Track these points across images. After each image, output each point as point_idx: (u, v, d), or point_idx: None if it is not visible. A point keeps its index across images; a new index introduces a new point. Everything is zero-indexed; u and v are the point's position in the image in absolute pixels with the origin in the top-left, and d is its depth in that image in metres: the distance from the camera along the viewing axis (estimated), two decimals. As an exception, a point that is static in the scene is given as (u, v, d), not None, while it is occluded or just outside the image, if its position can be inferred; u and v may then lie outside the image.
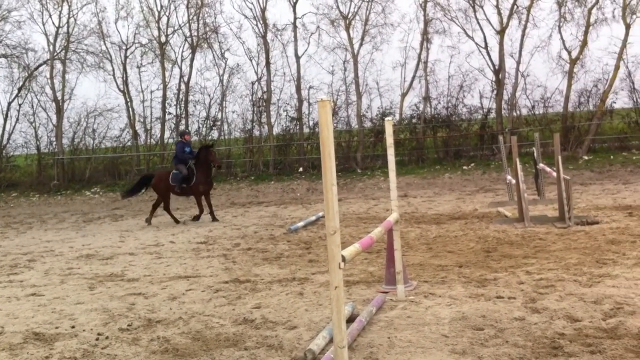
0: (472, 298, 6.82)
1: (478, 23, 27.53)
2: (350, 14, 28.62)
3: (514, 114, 27.56)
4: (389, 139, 7.31)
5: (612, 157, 23.44)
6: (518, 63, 27.32)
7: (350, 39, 28.63)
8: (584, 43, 26.71)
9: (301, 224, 13.48)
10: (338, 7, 28.67)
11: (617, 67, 26.21)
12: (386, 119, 7.47)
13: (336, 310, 4.31)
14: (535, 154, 15.20)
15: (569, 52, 27.03)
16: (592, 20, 26.70)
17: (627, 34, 26.12)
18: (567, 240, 9.89)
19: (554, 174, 12.09)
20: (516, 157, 12.75)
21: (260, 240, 12.08)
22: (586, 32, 26.69)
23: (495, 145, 22.68)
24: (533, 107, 27.59)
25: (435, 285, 7.53)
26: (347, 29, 28.62)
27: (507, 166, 15.70)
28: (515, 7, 27.20)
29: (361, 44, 28.63)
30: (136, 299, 7.78)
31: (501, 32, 27.21)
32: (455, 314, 6.26)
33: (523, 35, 27.24)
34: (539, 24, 27.42)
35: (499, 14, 27.34)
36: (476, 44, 27.67)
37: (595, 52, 27.09)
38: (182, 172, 16.01)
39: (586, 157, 23.79)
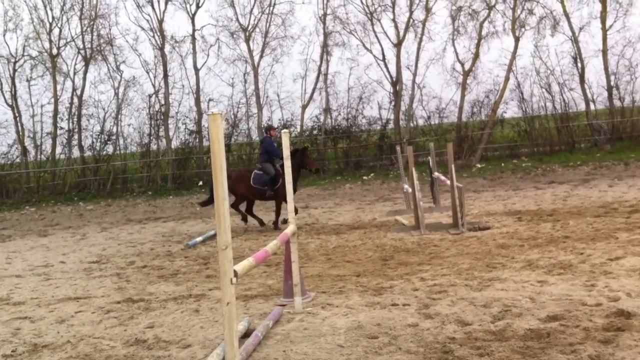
0: (368, 307, 6.87)
1: (376, 36, 28.17)
2: (250, 27, 28.60)
3: (411, 124, 28.31)
4: (286, 151, 7.30)
5: (503, 164, 24.44)
6: (414, 75, 28.11)
7: (250, 51, 28.58)
8: (476, 55, 27.81)
9: (200, 239, 13.22)
10: (238, 19, 28.60)
11: (507, 79, 27.45)
12: (282, 130, 7.47)
13: (228, 327, 4.21)
14: (430, 163, 15.63)
15: (462, 64, 28.08)
16: (483, 33, 27.90)
17: (516, 47, 27.44)
18: (460, 246, 10.17)
19: (448, 182, 12.44)
20: (412, 167, 13.04)
21: (157, 257, 11.75)
22: (478, 45, 27.82)
23: (393, 155, 23.18)
24: (429, 117, 28.47)
25: (333, 296, 7.54)
26: (247, 41, 28.56)
27: (404, 175, 16.04)
28: (411, 20, 28.00)
29: (261, 56, 28.65)
30: (22, 323, 7.36)
31: (398, 45, 27.92)
32: (351, 323, 6.27)
33: (419, 48, 28.08)
34: (434, 37, 28.50)
35: (396, 27, 28.07)
36: (374, 56, 28.29)
37: (487, 64, 28.45)
38: (269, 172, 14.44)
39: (479, 165, 24.70)
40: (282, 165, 14.00)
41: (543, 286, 7.19)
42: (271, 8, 28.51)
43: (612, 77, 27.19)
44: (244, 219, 14.81)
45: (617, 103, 27.20)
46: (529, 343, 5.31)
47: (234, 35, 28.83)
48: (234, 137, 28.71)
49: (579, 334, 5.46)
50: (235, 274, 4.25)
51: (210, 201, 14.65)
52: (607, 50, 27.11)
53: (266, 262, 9.76)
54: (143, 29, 29.26)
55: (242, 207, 14.93)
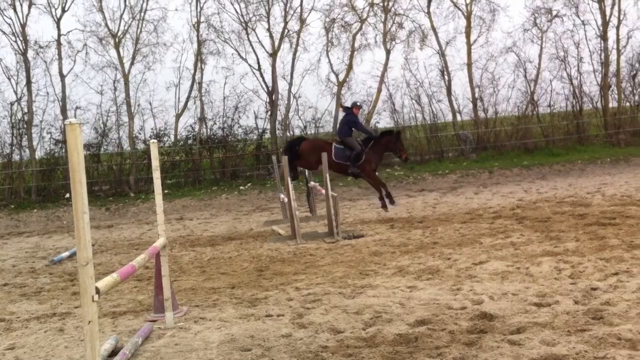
0: (242, 319, 6.79)
1: (251, 45, 28.07)
2: (120, 32, 27.65)
3: (288, 134, 28.44)
4: (155, 162, 7.07)
5: (377, 173, 25.04)
6: (290, 85, 28.27)
7: (120, 57, 27.62)
8: (350, 67, 28.40)
9: (66, 254, 12.58)
10: (107, 24, 27.57)
11: (379, 90, 28.22)
12: (151, 141, 7.25)
13: (90, 346, 4.00)
14: (306, 173, 15.76)
15: (337, 75, 28.55)
16: (356, 45, 28.50)
17: (387, 59, 28.28)
18: (335, 255, 10.30)
19: (324, 191, 12.59)
20: (287, 177, 13.08)
21: (19, 275, 11.05)
22: (351, 57, 28.42)
23: (270, 165, 23.20)
24: (305, 127, 28.68)
25: (206, 309, 7.39)
26: (117, 47, 27.60)
27: (280, 185, 16.07)
28: (286, 31, 28.15)
29: (132, 63, 27.75)
30: None
31: (273, 55, 27.99)
32: (224, 336, 6.17)
33: (294, 58, 28.26)
34: (308, 48, 28.70)
35: (271, 37, 28.12)
36: (250, 65, 28.16)
37: (360, 76, 29.05)
38: (354, 147, 14.31)
39: (354, 174, 25.22)
40: (364, 140, 14.40)
41: (412, 291, 7.41)
42: (142, 14, 27.74)
43: (477, 90, 28.64)
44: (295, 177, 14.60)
45: (481, 114, 28.68)
46: (397, 348, 5.43)
47: (103, 41, 27.77)
48: (103, 147, 27.62)
49: (445, 337, 5.65)
50: (98, 291, 4.07)
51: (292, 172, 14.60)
52: (472, 64, 28.52)
53: (137, 277, 9.44)
54: (4, 32, 27.54)
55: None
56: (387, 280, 8.12)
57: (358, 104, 15.73)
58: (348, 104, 28.81)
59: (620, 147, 26.37)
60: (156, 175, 7.06)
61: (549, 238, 10.03)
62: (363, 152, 14.25)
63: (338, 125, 15.18)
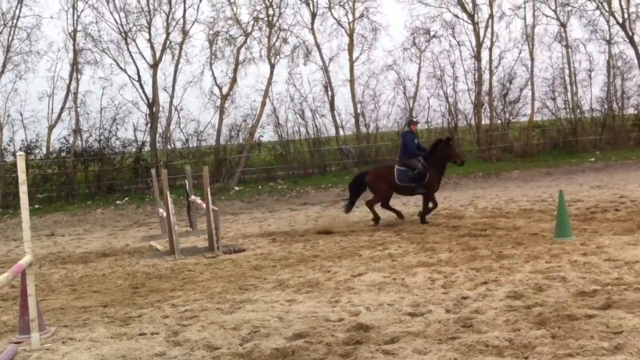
0: (114, 338, 6.50)
1: (131, 56, 27.28)
2: (-12, 39, 26.11)
3: (169, 147, 27.84)
4: (21, 175, 6.66)
5: (260, 187, 25.02)
6: (172, 97, 27.69)
7: (-11, 66, 26.07)
8: (234, 80, 28.22)
9: None
10: (-25, 31, 25.96)
11: (263, 104, 28.21)
12: (18, 153, 6.85)
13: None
14: (187, 187, 15.44)
15: (220, 88, 28.28)
16: (241, 58, 28.38)
17: (272, 73, 28.34)
18: (215, 270, 10.12)
19: (204, 205, 12.37)
20: (167, 190, 12.74)
21: None
22: (235, 70, 28.25)
23: (149, 178, 22.59)
24: (187, 140, 28.22)
25: (75, 329, 7.02)
26: (-15, 55, 26.04)
27: (160, 199, 15.65)
28: (168, 42, 27.61)
29: (2, 72, 26.24)
30: None
31: (154, 66, 27.35)
32: (94, 357, 5.88)
33: (176, 70, 27.73)
34: (191, 60, 28.18)
35: (152, 48, 27.47)
36: (129, 76, 27.35)
37: (244, 89, 28.84)
38: (415, 167, 13.63)
39: (237, 188, 25.02)
40: (426, 158, 13.69)
41: (291, 305, 7.38)
42: (15, 21, 26.36)
43: (359, 105, 29.27)
44: (401, 216, 14.03)
45: (363, 129, 29.34)
46: (274, 363, 5.37)
47: (-29, 49, 26.16)
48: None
49: (322, 349, 5.65)
50: None
51: (352, 199, 14.56)
52: (354, 80, 29.16)
53: (2, 296, 8.86)
54: None
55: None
56: (266, 294, 8.05)
57: (414, 120, 15.54)
58: (231, 118, 28.75)
59: (491, 162, 27.76)
60: (23, 189, 6.66)
61: (424, 249, 10.33)
62: (426, 170, 13.65)
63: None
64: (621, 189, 16.87)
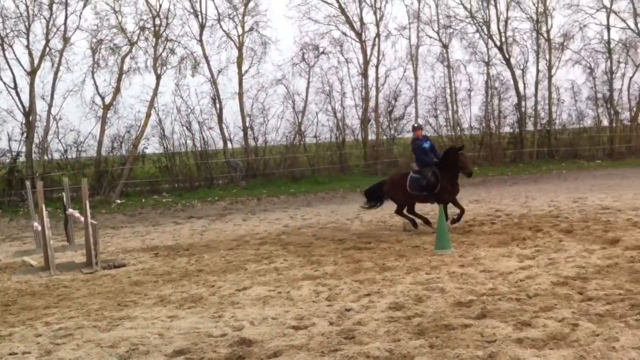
0: (-21, 360, 6.07)
1: (7, 62, 25.85)
2: None
3: (46, 157, 26.55)
4: None
5: (144, 200, 24.34)
6: (50, 106, 26.42)
7: None
8: (117, 90, 27.37)
9: None
10: None
11: (148, 115, 27.51)
12: None
13: None
14: (64, 199, 14.75)
15: (103, 98, 27.34)
16: (125, 68, 27.58)
17: (157, 84, 27.71)
18: (93, 286, 9.70)
19: (83, 218, 11.85)
20: (42, 203, 12.10)
21: None
22: (119, 80, 27.41)
23: (23, 190, 21.42)
24: (66, 151, 27.01)
25: (-63, 352, 6.49)
26: None
27: (35, 212, 14.84)
28: (47, 49, 26.39)
29: None
30: None
31: (32, 74, 26.04)
32: (-45, 382, 5.45)
33: (55, 78, 26.52)
34: (72, 68, 27.04)
35: (30, 55, 26.15)
36: (5, 84, 25.90)
37: (128, 100, 27.96)
38: (425, 176, 12.90)
39: (119, 201, 24.21)
40: (439, 167, 12.97)
41: (173, 321, 7.19)
42: None
43: (248, 119, 29.21)
44: (414, 225, 13.30)
45: (251, 143, 29.26)
46: (152, 381, 5.19)
47: None
48: None
49: (203, 365, 5.52)
50: None
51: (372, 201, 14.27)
52: (243, 93, 29.07)
53: None
54: None
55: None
56: (147, 310, 7.79)
57: (416, 125, 14.29)
58: (114, 128, 27.75)
59: (378, 177, 28.40)
60: None
61: (310, 262, 10.37)
62: (437, 180, 12.92)
63: None
64: (497, 203, 17.71)
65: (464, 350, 5.45)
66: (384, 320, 6.57)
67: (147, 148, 28.25)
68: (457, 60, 33.25)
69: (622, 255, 8.88)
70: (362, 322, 6.56)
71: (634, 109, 35.77)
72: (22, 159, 26.15)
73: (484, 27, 33.20)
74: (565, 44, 34.50)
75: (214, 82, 28.61)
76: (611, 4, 34.49)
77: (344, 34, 30.94)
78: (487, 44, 33.30)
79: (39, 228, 12.63)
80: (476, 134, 33.61)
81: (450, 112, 32.88)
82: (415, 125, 14.29)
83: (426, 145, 13.27)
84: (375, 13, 31.00)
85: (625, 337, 5.47)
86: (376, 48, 31.12)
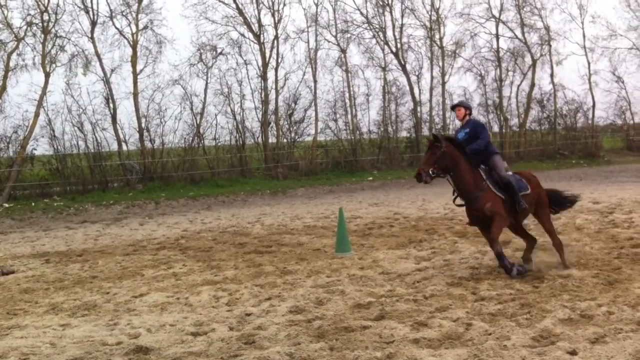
0: None
1: None
2: None
3: None
4: None
5: (33, 204, 23.23)
6: None
7: None
8: (3, 88, 25.98)
9: None
10: None
11: (37, 114, 26.23)
12: None
13: None
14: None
15: (-11, 96, 25.91)
16: (12, 65, 26.24)
17: (46, 82, 26.48)
18: (-22, 294, 9.16)
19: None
20: None
21: None
22: (5, 77, 26.04)
23: None
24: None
25: None
26: None
27: None
28: None
29: None
30: None
31: None
32: None
33: None
34: (-47, 62, 25.47)
35: None
36: None
37: (15, 98, 26.57)
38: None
39: (7, 205, 23.00)
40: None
41: (65, 329, 6.92)
42: None
43: (143, 120, 28.46)
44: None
45: (148, 145, 28.53)
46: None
47: None
48: None
49: (98, 376, 5.33)
50: None
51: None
52: (138, 93, 28.33)
53: None
54: None
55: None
56: (38, 319, 7.44)
57: (456, 103, 9.33)
58: (0, 128, 26.22)
59: (278, 180, 28.47)
60: None
61: (210, 267, 10.23)
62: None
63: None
64: (395, 206, 18.13)
65: (363, 351, 5.54)
66: (285, 324, 6.57)
67: (36, 149, 26.87)
68: (355, 65, 33.87)
69: (512, 256, 9.28)
70: (262, 327, 6.53)
71: (522, 115, 37.65)
72: None
73: (380, 33, 33.99)
74: (457, 51, 35.95)
75: (107, 81, 27.67)
76: (500, 15, 36.38)
77: (242, 35, 30.82)
78: (383, 50, 34.10)
79: None
80: (375, 138, 34.30)
81: (349, 116, 33.38)
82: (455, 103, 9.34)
83: (462, 134, 8.91)
84: (273, 15, 31.06)
85: (516, 335, 5.73)
86: (275, 50, 31.20)
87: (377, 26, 33.97)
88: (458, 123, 9.23)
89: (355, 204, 19.52)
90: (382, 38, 34.01)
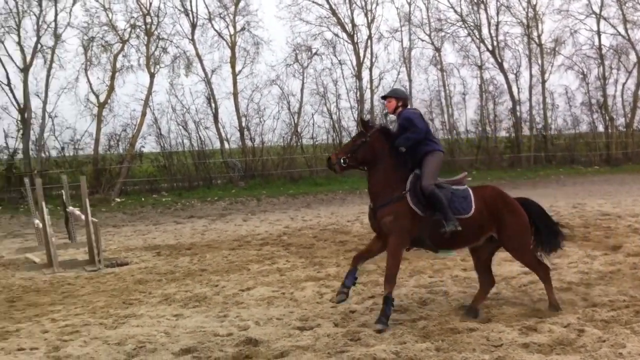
0: (-12, 355, 6.11)
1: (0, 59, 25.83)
2: None
3: (43, 155, 26.49)
4: None
5: (143, 199, 24.33)
6: (45, 103, 26.36)
7: None
8: (111, 88, 27.30)
9: None
10: None
11: (144, 113, 27.45)
12: None
13: None
14: (64, 197, 14.75)
15: (97, 96, 27.27)
16: (118, 66, 27.54)
17: (152, 83, 27.67)
18: (97, 283, 9.73)
19: (83, 217, 11.88)
20: (42, 201, 12.14)
21: None
22: (113, 78, 27.36)
23: (22, 187, 21.42)
24: (63, 148, 26.93)
25: (-56, 347, 6.53)
26: None
27: (35, 210, 14.84)
28: (39, 45, 26.32)
29: None
30: None
31: (25, 70, 25.98)
32: (-34, 376, 5.50)
33: (49, 75, 26.45)
34: (65, 65, 26.97)
35: (22, 51, 26.06)
36: (-2, 80, 25.81)
37: (123, 98, 27.91)
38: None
39: (118, 200, 24.21)
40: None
41: (178, 320, 7.24)
42: None
43: (243, 119, 29.21)
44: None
45: (248, 143, 29.26)
46: (163, 379, 5.24)
47: None
48: None
49: (211, 364, 5.57)
50: None
51: None
52: (238, 93, 29.08)
53: None
54: None
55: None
56: (152, 309, 7.84)
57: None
58: (110, 126, 27.58)
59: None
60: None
61: (312, 264, 10.42)
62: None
63: None
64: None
65: (470, 354, 5.52)
66: (390, 322, 6.62)
67: (144, 147, 28.23)
68: (450, 64, 33.39)
69: (625, 262, 8.95)
70: (367, 324, 6.61)
71: (629, 115, 35.95)
72: (19, 156, 26.12)
73: (475, 31, 33.34)
74: (556, 49, 34.68)
75: (208, 81, 28.58)
76: (600, 11, 34.73)
77: (336, 35, 31.02)
78: (479, 48, 33.45)
79: (40, 225, 12.66)
80: (472, 138, 33.71)
81: (445, 116, 32.97)
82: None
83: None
84: (366, 15, 31.10)
85: (631, 343, 5.54)
86: (369, 50, 31.21)
87: (472, 24, 33.38)
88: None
89: (455, 205, 19.23)
90: (477, 36, 33.38)
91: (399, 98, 7.53)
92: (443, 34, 33.14)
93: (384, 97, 7.72)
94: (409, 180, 6.89)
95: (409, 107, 7.60)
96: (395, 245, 6.75)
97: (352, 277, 6.74)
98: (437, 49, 32.84)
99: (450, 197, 6.82)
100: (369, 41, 31.10)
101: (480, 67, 33.38)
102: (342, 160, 7.13)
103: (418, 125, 7.10)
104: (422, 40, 32.76)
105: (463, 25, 33.32)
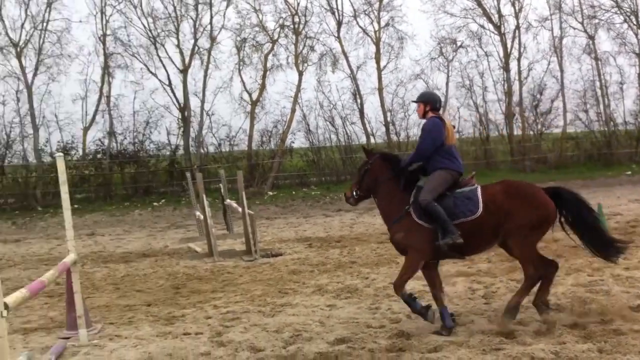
0: (159, 337, 6.63)
1: (161, 61, 27.55)
2: (21, 42, 26.49)
3: (202, 151, 28.10)
4: (62, 176, 6.85)
5: (294, 192, 25.14)
6: (202, 102, 27.96)
7: (22, 67, 26.42)
8: (263, 86, 28.40)
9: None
10: (7, 33, 26.36)
11: (293, 110, 28.35)
12: (57, 154, 7.08)
13: (1, 361, 3.87)
14: (222, 190, 15.60)
15: (250, 94, 28.48)
16: (269, 65, 28.58)
17: (300, 80, 28.49)
18: (254, 273, 10.23)
19: (240, 209, 12.50)
20: (203, 194, 12.93)
21: None
22: (264, 76, 28.44)
23: (184, 181, 22.89)
24: (219, 145, 28.43)
25: (121, 327, 7.18)
26: (19, 57, 26.38)
27: (196, 202, 15.83)
28: (196, 47, 27.87)
29: (35, 74, 26.61)
30: None
31: (184, 71, 27.62)
32: (141, 355, 6.01)
33: (206, 76, 27.96)
34: (220, 66, 28.42)
35: (181, 53, 27.73)
36: (160, 81, 27.59)
37: (274, 95, 28.99)
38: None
39: (271, 193, 25.18)
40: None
41: (332, 310, 7.45)
42: (45, 24, 26.72)
43: (388, 114, 29.30)
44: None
45: (394, 137, 29.32)
46: (320, 366, 5.43)
47: (4, 50, 26.51)
48: (7, 159, 26.41)
49: (365, 355, 5.70)
50: (6, 306, 4.01)
51: None
52: (383, 88, 29.17)
53: (47, 293, 9.06)
54: None
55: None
56: (306, 298, 8.12)
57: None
58: (262, 123, 28.83)
59: (526, 173, 27.52)
60: (64, 189, 6.83)
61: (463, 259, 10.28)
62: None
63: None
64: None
65: (636, 356, 5.25)
66: (547, 321, 6.42)
67: (294, 142, 29.20)
68: (605, 52, 31.39)
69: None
70: (522, 322, 6.46)
71: None
72: (180, 152, 27.91)
73: (632, 16, 31.07)
74: None
75: (353, 77, 28.92)
76: None
77: (482, 27, 30.17)
78: (636, 35, 31.11)
79: (202, 217, 13.47)
80: (632, 130, 31.57)
81: (601, 107, 31.07)
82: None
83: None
84: (513, 5, 29.98)
85: None
86: (516, 40, 30.11)
87: (629, 10, 31.12)
88: None
89: (614, 200, 18.21)
90: (634, 22, 31.11)
91: (427, 102, 7.18)
92: (597, 21, 31.25)
93: (414, 102, 7.43)
94: (412, 195, 6.73)
95: (439, 112, 7.23)
96: (412, 259, 6.73)
97: (449, 316, 6.49)
98: (591, 37, 31.04)
99: (452, 203, 6.58)
100: (516, 31, 30.05)
101: (638, 55, 31.19)
102: (354, 193, 7.15)
103: (424, 141, 6.90)
104: (574, 29, 31.10)
105: (619, 12, 31.21)
